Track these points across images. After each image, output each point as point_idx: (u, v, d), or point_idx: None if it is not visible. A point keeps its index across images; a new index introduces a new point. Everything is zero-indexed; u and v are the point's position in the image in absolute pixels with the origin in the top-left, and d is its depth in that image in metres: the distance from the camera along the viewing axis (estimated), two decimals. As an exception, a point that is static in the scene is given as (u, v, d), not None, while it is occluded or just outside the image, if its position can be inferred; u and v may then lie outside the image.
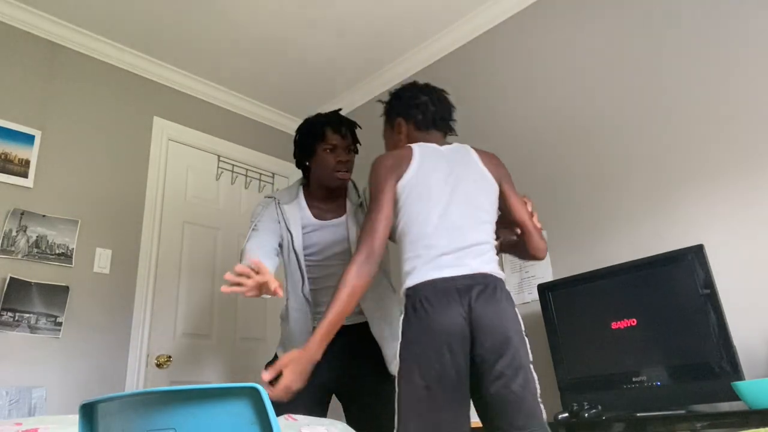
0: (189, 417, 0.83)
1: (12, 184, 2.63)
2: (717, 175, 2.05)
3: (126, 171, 3.07)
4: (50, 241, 2.67)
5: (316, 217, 1.96)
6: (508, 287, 1.45)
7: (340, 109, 2.05)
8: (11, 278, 2.50)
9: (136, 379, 2.81)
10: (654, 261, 1.93)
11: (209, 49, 3.22)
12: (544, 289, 2.19)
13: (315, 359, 1.38)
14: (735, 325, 1.72)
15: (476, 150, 1.61)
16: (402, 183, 1.49)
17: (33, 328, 2.53)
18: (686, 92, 2.19)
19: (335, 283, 1.88)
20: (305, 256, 1.93)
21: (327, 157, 1.93)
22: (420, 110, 1.64)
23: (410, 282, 1.42)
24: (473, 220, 1.48)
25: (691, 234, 2.02)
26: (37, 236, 2.64)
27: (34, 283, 2.57)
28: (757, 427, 1.45)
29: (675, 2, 2.30)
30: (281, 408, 1.49)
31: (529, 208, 1.63)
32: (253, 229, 1.86)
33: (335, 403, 1.97)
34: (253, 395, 0.80)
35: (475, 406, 1.39)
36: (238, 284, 1.47)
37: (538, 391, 1.36)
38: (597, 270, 2.07)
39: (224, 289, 1.47)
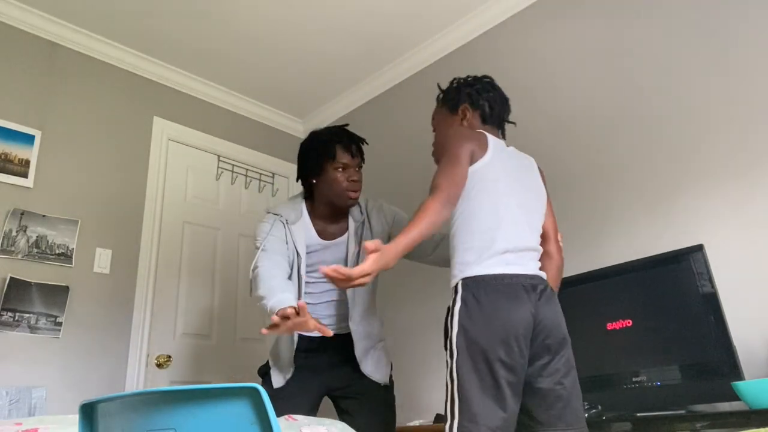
0: (189, 417, 0.83)
1: (12, 184, 2.63)
2: (717, 175, 2.05)
3: (126, 171, 3.07)
4: (50, 241, 2.67)
5: (320, 236, 1.94)
6: None
7: (347, 125, 2.01)
8: (11, 278, 2.50)
9: (136, 379, 2.81)
10: (654, 261, 1.93)
11: (209, 49, 3.22)
12: (544, 289, 2.18)
13: (389, 265, 1.32)
14: (735, 325, 1.72)
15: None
16: (475, 167, 1.47)
17: (33, 328, 2.53)
18: (686, 92, 2.19)
19: (332, 298, 1.94)
20: (306, 273, 1.92)
21: (338, 176, 1.88)
22: (489, 103, 1.66)
23: (472, 272, 1.40)
24: (531, 226, 1.53)
25: (691, 234, 2.02)
26: (37, 236, 2.64)
27: (34, 283, 2.57)
28: (757, 427, 1.44)
29: (676, 2, 2.30)
30: (281, 409, 1.50)
31: (558, 237, 1.69)
32: (262, 250, 1.80)
33: (328, 405, 1.98)
34: (253, 395, 0.80)
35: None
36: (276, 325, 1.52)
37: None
38: (597, 270, 2.07)
39: (264, 331, 1.52)
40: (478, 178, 1.47)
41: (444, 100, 1.73)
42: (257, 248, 1.84)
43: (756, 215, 1.93)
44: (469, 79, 1.71)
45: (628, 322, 1.91)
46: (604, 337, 1.95)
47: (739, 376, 1.64)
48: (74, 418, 1.08)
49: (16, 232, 2.58)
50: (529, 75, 2.76)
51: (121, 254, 2.91)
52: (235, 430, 0.81)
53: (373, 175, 2.50)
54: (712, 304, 1.74)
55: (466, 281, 1.40)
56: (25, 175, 2.67)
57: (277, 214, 1.91)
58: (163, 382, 2.90)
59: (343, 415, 1.92)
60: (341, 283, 1.27)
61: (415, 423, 2.54)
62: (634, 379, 1.86)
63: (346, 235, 1.96)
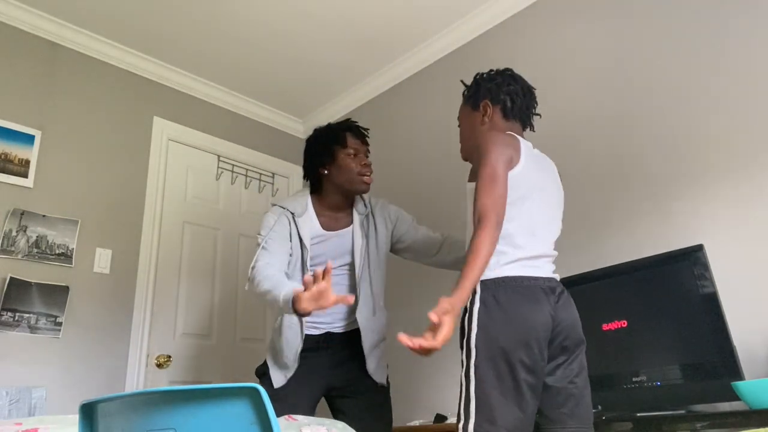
0: (189, 417, 0.83)
1: (12, 184, 2.63)
2: (717, 175, 2.05)
3: (126, 171, 3.07)
4: (50, 241, 2.67)
5: (323, 226, 1.94)
6: None
7: (350, 119, 2.05)
8: (11, 278, 2.50)
9: (136, 379, 2.81)
10: (654, 261, 1.93)
11: (209, 49, 3.22)
12: (544, 289, 2.18)
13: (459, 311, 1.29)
14: (735, 325, 1.72)
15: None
16: (509, 175, 1.45)
17: (33, 328, 2.53)
18: (687, 92, 2.19)
19: (338, 291, 1.89)
20: (310, 265, 1.92)
21: (350, 162, 1.91)
22: (510, 97, 1.63)
23: (491, 274, 1.40)
24: (551, 233, 1.54)
25: (691, 234, 2.02)
26: (37, 236, 2.64)
27: (34, 283, 2.57)
28: (757, 427, 1.44)
29: (676, 2, 2.30)
30: (278, 409, 1.50)
31: None
32: (263, 248, 1.81)
33: (323, 404, 1.98)
34: (253, 395, 0.80)
35: None
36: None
37: None
38: (596, 270, 2.07)
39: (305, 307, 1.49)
40: (509, 186, 1.45)
41: (466, 96, 1.72)
42: (258, 243, 1.84)
43: (756, 215, 1.93)
44: (491, 73, 1.69)
45: (627, 323, 1.91)
46: (603, 337, 1.95)
47: (739, 376, 1.64)
48: (74, 418, 1.09)
49: (16, 232, 2.58)
50: (529, 75, 2.75)
51: (121, 254, 2.91)
52: (235, 430, 0.81)
53: (373, 175, 2.50)
54: (712, 304, 1.74)
55: (486, 282, 1.40)
56: (25, 175, 2.68)
57: (284, 207, 1.92)
58: (163, 382, 2.91)
59: (338, 414, 1.92)
60: (427, 352, 1.22)
61: (415, 423, 2.54)
62: (634, 379, 1.86)
63: (350, 227, 1.97)
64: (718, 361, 1.69)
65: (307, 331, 1.87)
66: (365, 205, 2.02)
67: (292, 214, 1.91)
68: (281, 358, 1.87)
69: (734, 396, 1.59)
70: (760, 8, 2.07)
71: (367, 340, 1.89)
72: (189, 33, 3.08)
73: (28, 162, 2.70)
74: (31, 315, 2.53)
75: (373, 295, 1.95)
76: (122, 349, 2.81)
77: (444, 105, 3.02)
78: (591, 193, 2.38)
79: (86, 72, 3.05)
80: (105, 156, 3.00)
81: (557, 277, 1.51)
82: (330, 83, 3.57)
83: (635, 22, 2.41)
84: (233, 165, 3.61)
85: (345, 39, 3.17)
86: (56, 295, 2.62)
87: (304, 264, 1.88)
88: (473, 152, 1.55)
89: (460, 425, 1.30)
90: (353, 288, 1.92)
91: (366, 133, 2.02)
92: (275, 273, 1.72)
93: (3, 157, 2.63)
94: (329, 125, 2.02)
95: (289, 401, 1.80)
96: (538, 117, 1.72)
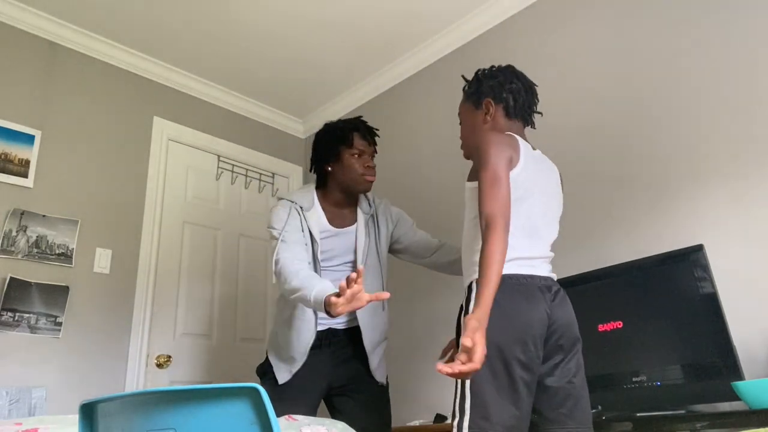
0: (189, 417, 0.83)
1: (12, 184, 2.63)
2: (717, 175, 2.05)
3: (126, 171, 3.07)
4: (50, 241, 2.67)
5: (330, 222, 1.95)
6: None
7: (361, 117, 2.05)
8: (11, 278, 2.50)
9: (136, 379, 2.81)
10: (654, 261, 1.93)
11: (209, 49, 3.22)
12: (544, 289, 2.18)
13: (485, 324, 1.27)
14: (735, 325, 1.72)
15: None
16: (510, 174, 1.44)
17: (33, 328, 2.53)
18: (687, 92, 2.19)
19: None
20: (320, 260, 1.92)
21: (354, 162, 1.92)
22: (513, 96, 1.61)
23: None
24: (549, 234, 1.54)
25: (691, 234, 2.02)
26: (37, 236, 2.64)
27: (34, 283, 2.57)
28: (757, 427, 1.44)
29: (677, 2, 2.30)
30: (281, 408, 1.50)
31: None
32: (282, 241, 1.80)
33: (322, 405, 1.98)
34: (253, 395, 0.80)
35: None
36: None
37: None
38: (596, 270, 2.07)
39: (338, 311, 1.48)
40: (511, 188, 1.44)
41: (467, 93, 1.69)
42: (274, 237, 1.83)
43: (756, 215, 1.93)
44: (493, 69, 1.67)
45: (632, 322, 1.91)
46: (603, 337, 1.95)
47: (739, 376, 1.64)
48: (74, 418, 1.09)
49: (16, 232, 2.58)
50: (529, 75, 2.75)
51: (121, 254, 2.91)
52: (235, 430, 0.81)
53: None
54: (712, 304, 1.74)
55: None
56: (25, 175, 2.68)
57: (292, 201, 1.92)
58: (163, 382, 2.90)
59: (337, 413, 1.91)
60: (467, 375, 1.18)
61: (415, 423, 2.54)
62: (634, 379, 1.86)
63: (354, 225, 1.98)
64: (718, 361, 1.69)
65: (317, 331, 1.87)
66: (370, 204, 2.04)
67: (301, 207, 1.91)
68: (287, 351, 1.85)
69: (734, 396, 1.59)
70: (760, 8, 2.07)
71: (369, 339, 1.89)
72: (189, 33, 3.08)
73: (28, 162, 2.70)
74: (31, 315, 2.53)
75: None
76: (122, 349, 2.81)
77: (444, 105, 3.02)
78: (591, 193, 2.38)
79: (86, 72, 3.05)
80: (105, 156, 3.00)
81: (554, 276, 1.51)
82: (330, 83, 3.57)
83: (636, 22, 2.41)
84: (233, 165, 3.61)
85: (345, 39, 3.17)
86: (56, 295, 2.62)
87: (315, 258, 1.88)
88: (474, 151, 1.54)
89: (455, 422, 1.29)
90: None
91: (375, 132, 2.02)
92: (302, 268, 1.71)
93: (3, 157, 2.63)
94: (339, 122, 2.02)
95: (293, 398, 1.80)
96: (540, 115, 1.71)
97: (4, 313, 2.46)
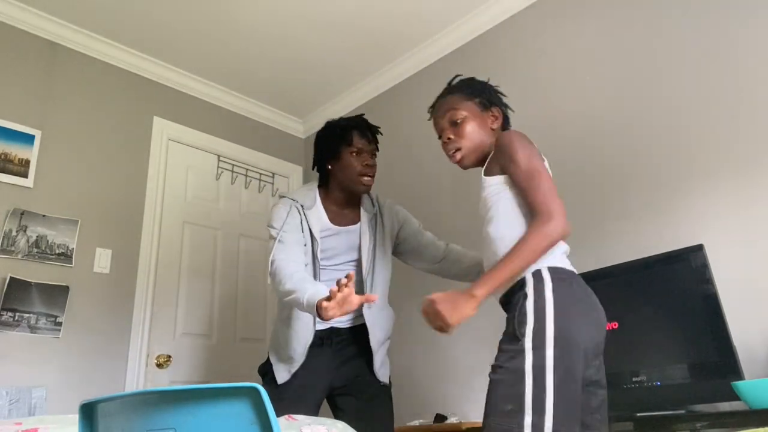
0: (189, 417, 0.83)
1: (12, 184, 2.63)
2: (717, 175, 2.05)
3: (126, 171, 3.07)
4: (50, 241, 2.67)
5: (332, 221, 1.94)
6: None
7: (363, 115, 2.03)
8: (11, 278, 2.50)
9: (136, 379, 2.81)
10: (654, 261, 1.93)
11: (209, 49, 3.22)
12: (544, 289, 2.18)
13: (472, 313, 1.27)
14: (735, 325, 1.72)
15: None
16: None
17: (33, 328, 2.53)
18: (686, 92, 2.19)
19: None
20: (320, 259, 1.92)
21: (353, 161, 1.90)
22: (507, 111, 1.62)
23: (554, 262, 1.32)
24: None
25: (691, 234, 2.02)
26: (37, 236, 2.64)
27: (34, 283, 2.57)
28: (757, 427, 1.44)
29: (676, 3, 2.30)
30: (282, 408, 1.50)
31: None
32: (279, 241, 1.80)
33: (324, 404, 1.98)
34: (253, 395, 0.80)
35: None
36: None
37: None
38: (596, 270, 2.06)
39: (327, 316, 1.49)
40: None
41: (471, 92, 1.59)
42: (273, 237, 1.82)
43: (756, 215, 1.93)
44: (489, 82, 1.65)
45: (631, 321, 1.91)
46: (607, 336, 1.95)
47: (739, 376, 1.64)
48: (74, 418, 1.09)
49: (16, 232, 2.58)
50: (529, 75, 2.76)
51: (121, 254, 2.91)
52: (235, 430, 0.81)
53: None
54: (712, 304, 1.74)
55: (556, 270, 1.30)
56: (25, 175, 2.68)
57: (293, 200, 1.92)
58: (163, 382, 2.91)
59: (340, 413, 1.91)
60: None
61: (415, 423, 2.54)
62: (634, 379, 1.86)
63: (358, 225, 1.96)
64: (718, 361, 1.69)
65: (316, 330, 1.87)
66: (373, 203, 2.02)
67: (302, 206, 1.90)
68: (286, 351, 1.85)
69: (734, 396, 1.59)
70: (760, 8, 2.07)
71: (375, 337, 1.88)
72: (189, 33, 3.08)
73: (28, 162, 2.70)
74: (31, 315, 2.53)
75: (381, 293, 1.94)
76: (122, 349, 2.81)
77: (444, 105, 3.02)
78: (591, 193, 2.38)
79: (86, 72, 3.05)
80: (105, 156, 3.00)
81: None
82: (330, 83, 3.57)
83: (636, 22, 2.41)
84: (233, 165, 3.61)
85: (345, 39, 3.17)
86: (56, 295, 2.62)
87: (315, 257, 1.87)
88: (480, 151, 1.52)
89: (527, 421, 1.12)
90: (360, 284, 1.92)
91: (377, 130, 2.00)
92: (296, 270, 1.70)
93: (3, 157, 2.63)
94: (340, 120, 2.01)
95: (293, 398, 1.79)
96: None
97: (4, 313, 2.46)
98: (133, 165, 3.10)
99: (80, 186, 2.87)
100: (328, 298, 1.48)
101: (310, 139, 2.19)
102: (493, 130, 1.56)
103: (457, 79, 1.67)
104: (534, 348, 1.19)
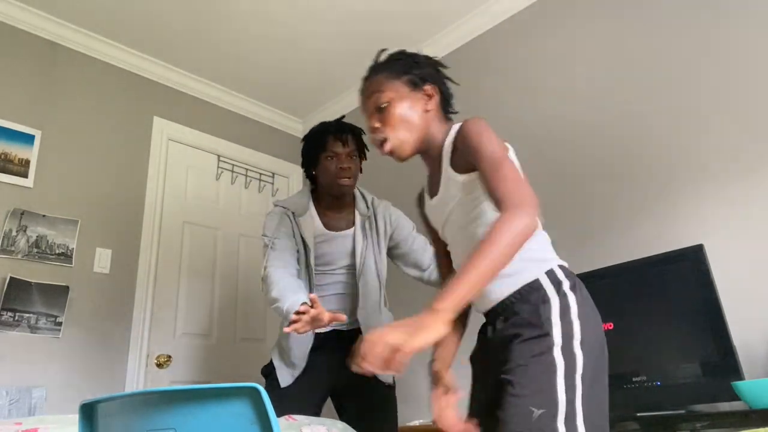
0: (189, 417, 0.83)
1: (12, 184, 2.63)
2: (717, 175, 2.05)
3: (126, 171, 3.07)
4: (50, 241, 2.67)
5: (326, 226, 1.96)
6: None
7: (343, 117, 2.05)
8: (11, 278, 2.50)
9: (136, 379, 2.81)
10: (654, 261, 1.93)
11: (209, 49, 3.22)
12: (544, 289, 2.18)
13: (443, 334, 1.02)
14: (735, 325, 1.72)
15: None
16: None
17: (33, 328, 2.53)
18: (686, 92, 2.19)
19: (341, 290, 1.92)
20: (315, 265, 1.93)
21: (329, 165, 1.93)
22: (449, 89, 1.37)
23: (562, 261, 1.22)
24: None
25: (691, 234, 2.02)
26: (37, 236, 2.64)
27: (34, 283, 2.57)
28: (757, 427, 1.44)
29: (676, 3, 2.30)
30: (283, 410, 1.50)
31: None
32: (271, 248, 1.83)
33: (328, 404, 1.98)
34: (253, 395, 0.80)
35: None
36: (296, 321, 1.54)
37: None
38: (596, 270, 2.07)
39: (287, 329, 1.55)
40: None
41: (399, 69, 1.34)
42: (265, 245, 1.85)
43: (756, 215, 1.93)
44: (431, 57, 1.41)
45: (630, 321, 1.91)
46: (607, 336, 1.95)
47: (739, 376, 1.64)
48: (74, 418, 1.09)
49: (16, 232, 2.58)
50: (529, 75, 2.76)
51: (121, 254, 2.91)
52: (235, 430, 0.81)
53: (372, 174, 2.50)
54: (712, 304, 1.74)
55: (563, 268, 1.20)
56: (25, 175, 2.67)
57: (285, 207, 1.95)
58: (163, 382, 2.90)
59: (344, 414, 1.91)
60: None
61: (415, 423, 2.54)
62: (634, 379, 1.86)
63: (352, 229, 1.97)
64: (718, 361, 1.69)
65: (315, 331, 1.87)
66: (368, 206, 2.03)
67: (293, 213, 1.92)
68: (289, 356, 1.87)
69: (734, 396, 1.59)
70: (761, 9, 2.07)
71: None
72: (189, 33, 3.08)
73: (28, 162, 2.70)
74: (31, 315, 2.53)
75: (376, 296, 1.95)
76: (122, 349, 2.81)
77: (444, 105, 3.02)
78: (591, 193, 2.38)
79: (86, 72, 3.05)
80: (105, 156, 3.00)
81: None
82: (330, 83, 3.57)
83: (636, 22, 2.41)
84: (233, 165, 3.61)
85: (345, 39, 3.17)
86: (56, 295, 2.62)
87: (308, 264, 1.89)
88: (417, 139, 1.32)
89: (558, 421, 1.01)
90: (354, 288, 1.92)
91: (353, 133, 1.99)
92: (282, 278, 1.72)
93: (3, 157, 2.63)
94: (317, 126, 2.05)
95: (295, 401, 1.80)
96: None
97: (4, 313, 2.46)
98: (133, 165, 3.10)
99: (80, 186, 2.87)
100: (306, 306, 1.54)
101: (310, 139, 2.18)
102: (427, 111, 1.31)
103: (384, 54, 1.41)
104: (562, 362, 1.07)
